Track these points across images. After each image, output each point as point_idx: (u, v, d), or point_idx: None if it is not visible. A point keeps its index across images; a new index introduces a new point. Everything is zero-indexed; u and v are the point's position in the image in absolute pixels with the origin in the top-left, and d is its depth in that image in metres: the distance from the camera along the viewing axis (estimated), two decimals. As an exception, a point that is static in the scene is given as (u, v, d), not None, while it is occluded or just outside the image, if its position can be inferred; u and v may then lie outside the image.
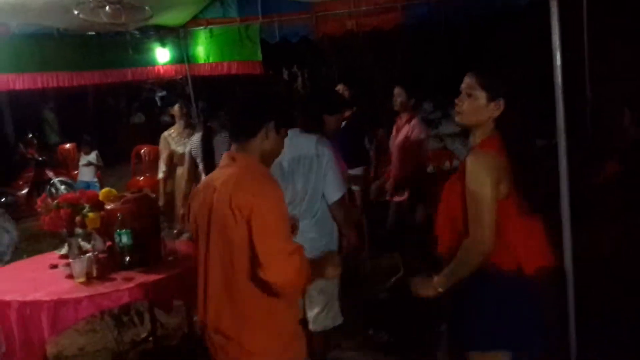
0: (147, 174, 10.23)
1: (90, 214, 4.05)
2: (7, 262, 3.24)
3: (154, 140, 10.05)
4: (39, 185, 10.67)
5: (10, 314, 3.39)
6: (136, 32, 7.10)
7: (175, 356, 4.62)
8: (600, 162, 6.42)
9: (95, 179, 9.63)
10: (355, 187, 6.05)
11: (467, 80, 2.70)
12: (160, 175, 6.50)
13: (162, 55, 7.51)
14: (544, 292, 2.74)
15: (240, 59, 7.13)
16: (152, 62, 7.55)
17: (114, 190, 4.34)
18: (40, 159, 11.08)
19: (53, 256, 4.28)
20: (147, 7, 5.45)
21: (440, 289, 2.69)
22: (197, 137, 5.45)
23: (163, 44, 7.47)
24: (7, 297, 3.45)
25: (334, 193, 3.65)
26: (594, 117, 7.38)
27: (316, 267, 2.49)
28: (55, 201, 4.23)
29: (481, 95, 2.65)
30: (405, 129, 5.51)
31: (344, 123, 4.75)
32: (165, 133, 6.44)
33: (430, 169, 8.03)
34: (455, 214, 2.69)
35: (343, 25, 6.51)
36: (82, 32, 6.61)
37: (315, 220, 3.64)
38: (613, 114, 7.32)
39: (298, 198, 3.60)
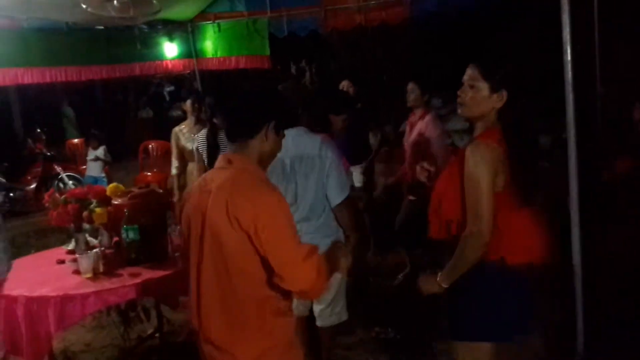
0: (155, 169, 10.23)
1: (98, 209, 4.05)
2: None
3: (162, 135, 10.06)
4: (47, 180, 10.68)
5: (17, 309, 3.40)
6: (144, 26, 7.11)
7: (182, 352, 4.61)
8: (611, 158, 6.36)
9: (103, 174, 9.63)
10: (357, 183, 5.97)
11: (470, 72, 2.69)
12: (174, 171, 6.47)
13: (170, 49, 7.52)
14: (528, 284, 2.74)
15: (248, 54, 7.13)
16: (160, 57, 7.56)
17: (121, 186, 4.34)
18: (48, 153, 11.10)
19: (60, 251, 4.28)
20: (155, 1, 5.44)
21: (444, 285, 2.69)
22: (203, 133, 5.41)
23: (171, 39, 7.47)
24: (15, 292, 3.45)
25: (337, 195, 3.57)
26: (604, 112, 7.31)
27: (329, 262, 2.41)
28: (63, 196, 4.23)
29: (484, 87, 2.64)
30: (419, 126, 5.37)
31: None
32: (176, 128, 6.41)
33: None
34: (448, 201, 2.70)
35: (352, 19, 6.48)
36: (91, 27, 6.62)
37: (319, 223, 3.56)
38: (624, 109, 7.26)
39: (299, 199, 3.54)
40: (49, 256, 4.27)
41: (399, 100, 5.82)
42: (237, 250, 2.23)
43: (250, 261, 2.24)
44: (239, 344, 2.30)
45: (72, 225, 4.15)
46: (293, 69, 18.10)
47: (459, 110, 2.76)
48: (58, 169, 10.68)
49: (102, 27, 6.76)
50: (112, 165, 10.31)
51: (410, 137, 5.50)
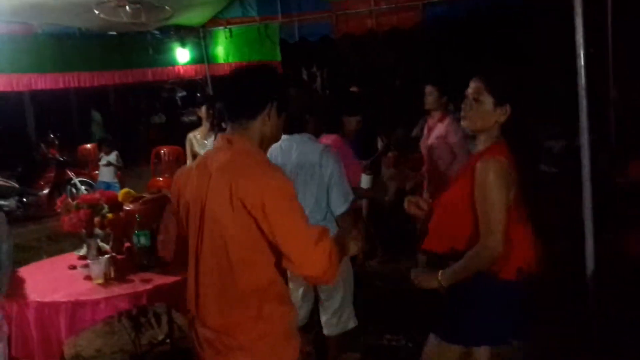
0: (167, 175, 10.25)
1: (110, 215, 4.05)
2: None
3: (175, 140, 10.07)
4: (60, 185, 10.73)
5: (28, 314, 3.40)
6: (156, 32, 7.14)
7: (192, 358, 4.60)
8: (624, 162, 6.32)
9: (116, 180, 9.64)
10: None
11: (474, 85, 2.70)
12: None
13: (182, 55, 7.54)
14: (524, 293, 2.77)
15: (259, 59, 7.13)
16: (172, 62, 7.59)
17: (132, 191, 4.34)
18: (61, 159, 11.14)
19: (72, 257, 4.28)
20: (167, 7, 5.46)
21: (444, 284, 2.69)
22: (211, 140, 5.40)
23: (183, 44, 7.50)
24: (26, 297, 3.45)
25: (340, 206, 3.55)
26: (617, 116, 7.27)
27: (338, 246, 2.33)
28: (75, 202, 4.24)
29: (488, 100, 2.65)
30: (438, 129, 5.28)
31: None
32: (191, 134, 6.42)
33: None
34: (456, 216, 2.71)
35: (363, 24, 6.48)
36: (103, 32, 6.65)
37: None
38: (637, 113, 7.22)
39: None
40: (60, 261, 4.27)
41: (411, 104, 5.79)
42: (240, 234, 2.16)
43: (254, 246, 2.18)
44: (237, 328, 2.24)
45: (83, 230, 4.15)
46: (304, 74, 18.11)
47: (462, 123, 2.78)
48: (71, 174, 10.73)
49: (114, 33, 6.80)
50: (124, 171, 10.34)
51: (428, 140, 5.41)
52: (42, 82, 6.15)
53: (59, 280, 3.79)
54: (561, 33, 5.26)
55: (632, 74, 7.90)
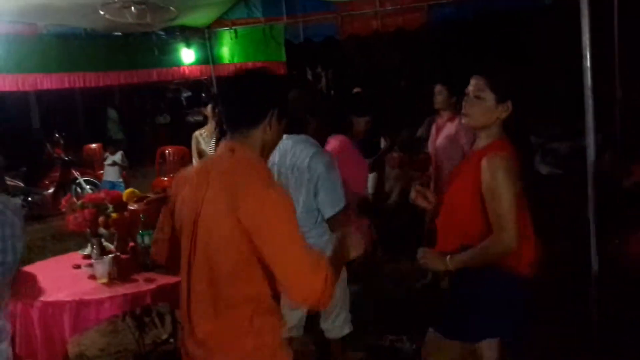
0: (172, 174, 10.25)
1: (114, 215, 4.06)
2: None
3: (180, 140, 10.07)
4: (65, 184, 10.75)
5: (32, 313, 3.41)
6: (162, 32, 7.15)
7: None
8: (629, 164, 6.30)
9: (121, 179, 9.66)
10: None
11: (475, 82, 2.71)
12: None
13: (187, 55, 7.55)
14: (528, 287, 2.78)
15: (264, 60, 7.13)
16: (177, 63, 7.59)
17: (137, 191, 4.35)
18: (66, 158, 11.17)
19: (76, 256, 4.30)
20: (172, 8, 5.47)
21: (451, 267, 2.71)
22: (214, 140, 5.43)
23: (188, 45, 7.50)
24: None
25: (329, 209, 3.45)
26: (623, 117, 7.24)
27: (340, 256, 2.30)
28: (80, 201, 4.25)
29: (489, 97, 2.66)
30: (448, 128, 5.26)
31: None
32: (197, 132, 6.45)
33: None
34: (464, 214, 2.73)
35: (369, 25, 6.47)
36: (109, 33, 6.67)
37: (311, 235, 3.41)
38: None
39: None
40: (65, 261, 4.28)
41: (416, 105, 5.78)
42: (231, 247, 2.11)
43: (246, 259, 2.11)
44: (227, 343, 2.19)
45: (88, 230, 4.16)
46: (309, 75, 18.11)
47: (464, 120, 2.79)
48: (76, 173, 10.76)
49: (120, 34, 6.81)
50: (129, 171, 10.36)
51: (436, 140, 5.39)
52: (48, 82, 6.15)
53: (63, 279, 3.81)
54: (563, 34, 5.25)
55: (638, 75, 7.87)
